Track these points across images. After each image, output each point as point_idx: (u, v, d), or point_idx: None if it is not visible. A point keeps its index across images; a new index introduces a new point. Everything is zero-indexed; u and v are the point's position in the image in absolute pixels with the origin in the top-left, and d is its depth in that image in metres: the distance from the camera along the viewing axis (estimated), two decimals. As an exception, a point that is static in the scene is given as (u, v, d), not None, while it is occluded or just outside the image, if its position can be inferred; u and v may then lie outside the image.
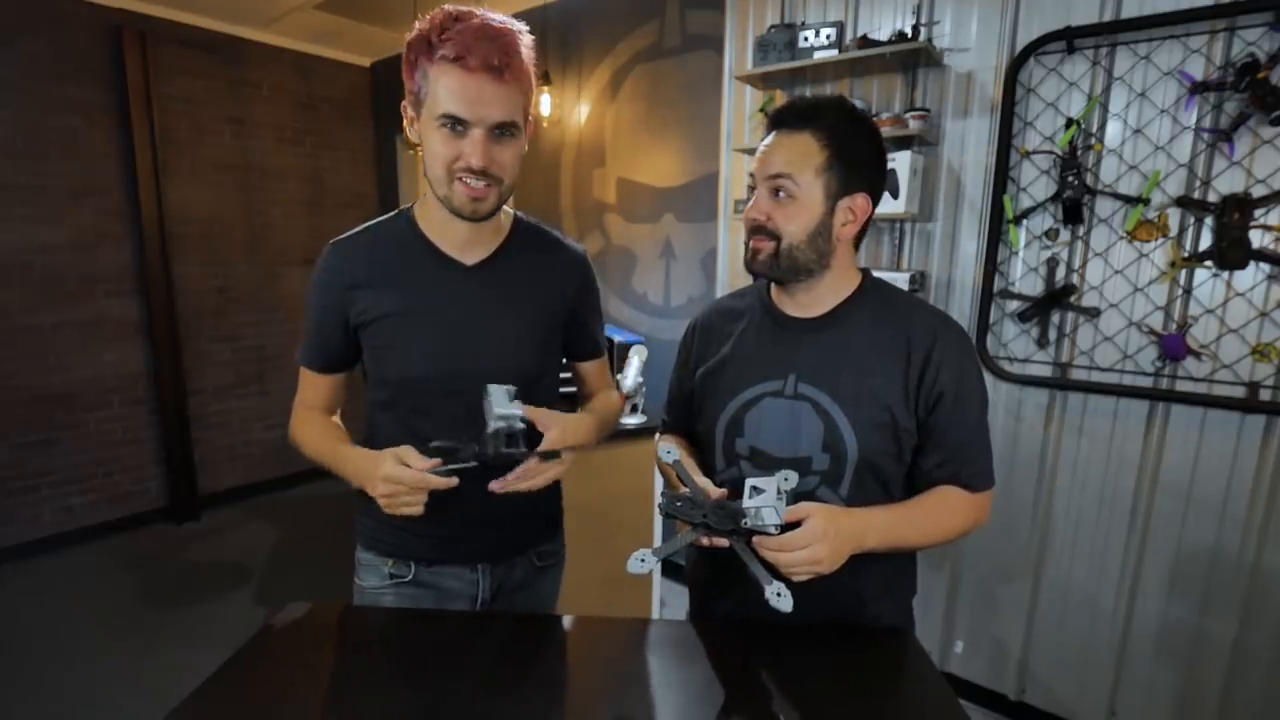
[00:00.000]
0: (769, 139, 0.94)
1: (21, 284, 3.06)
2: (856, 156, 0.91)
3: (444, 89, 0.85)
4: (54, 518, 3.24)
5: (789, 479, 0.84)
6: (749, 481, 0.79)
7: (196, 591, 2.84)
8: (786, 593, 0.77)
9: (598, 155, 3.15)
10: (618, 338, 2.50)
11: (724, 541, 0.81)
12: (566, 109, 3.24)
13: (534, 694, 0.80)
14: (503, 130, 0.89)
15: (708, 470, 1.03)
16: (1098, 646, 1.89)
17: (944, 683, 0.84)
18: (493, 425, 0.86)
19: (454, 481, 0.87)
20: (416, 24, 0.86)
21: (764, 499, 0.77)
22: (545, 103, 3.13)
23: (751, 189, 0.96)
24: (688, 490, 0.84)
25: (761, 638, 0.92)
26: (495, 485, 0.91)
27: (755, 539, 0.79)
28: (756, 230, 0.94)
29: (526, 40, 0.90)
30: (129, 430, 3.45)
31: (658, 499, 2.19)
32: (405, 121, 0.94)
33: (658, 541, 2.29)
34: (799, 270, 0.94)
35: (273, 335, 3.97)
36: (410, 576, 1.07)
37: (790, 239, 0.91)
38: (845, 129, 0.91)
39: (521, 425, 0.87)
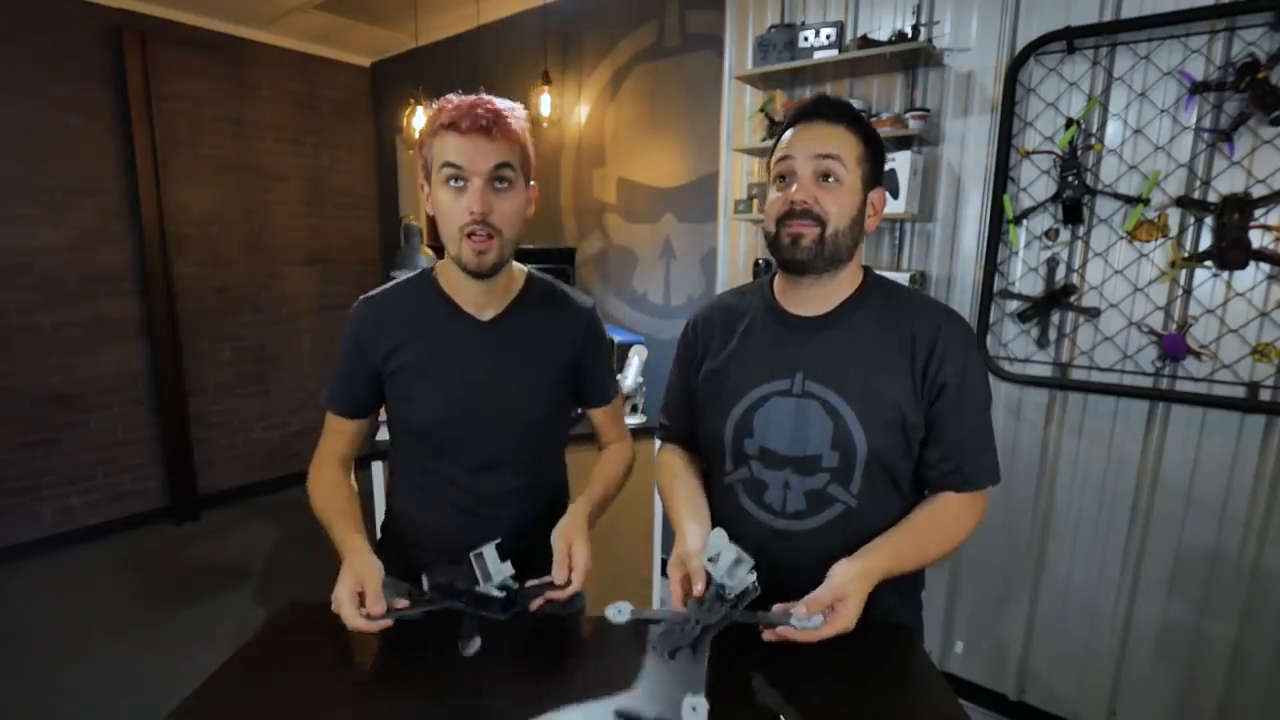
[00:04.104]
0: (803, 126, 0.93)
1: (21, 284, 3.06)
2: (880, 153, 0.95)
3: (444, 148, 0.94)
4: (54, 518, 3.25)
5: (719, 532, 0.80)
6: (704, 560, 0.79)
7: (196, 591, 2.85)
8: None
9: (598, 155, 3.15)
10: (618, 338, 2.50)
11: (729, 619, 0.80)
12: (566, 109, 3.24)
13: (534, 693, 0.80)
14: (500, 179, 0.95)
15: (714, 473, 1.03)
16: (1098, 647, 1.89)
17: (944, 683, 0.83)
18: (489, 589, 0.87)
19: (388, 623, 0.85)
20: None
21: (723, 562, 0.77)
22: (545, 103, 3.13)
23: (783, 177, 0.93)
24: (663, 620, 0.81)
25: (762, 637, 0.91)
26: (534, 606, 0.93)
27: (779, 630, 0.80)
28: (801, 214, 0.89)
29: (518, 113, 0.99)
30: (129, 430, 3.46)
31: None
32: (423, 199, 1.01)
33: (658, 543, 2.29)
34: (838, 260, 0.93)
35: (273, 335, 3.97)
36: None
37: (836, 224, 0.90)
38: (870, 128, 0.95)
39: (514, 583, 0.89)
